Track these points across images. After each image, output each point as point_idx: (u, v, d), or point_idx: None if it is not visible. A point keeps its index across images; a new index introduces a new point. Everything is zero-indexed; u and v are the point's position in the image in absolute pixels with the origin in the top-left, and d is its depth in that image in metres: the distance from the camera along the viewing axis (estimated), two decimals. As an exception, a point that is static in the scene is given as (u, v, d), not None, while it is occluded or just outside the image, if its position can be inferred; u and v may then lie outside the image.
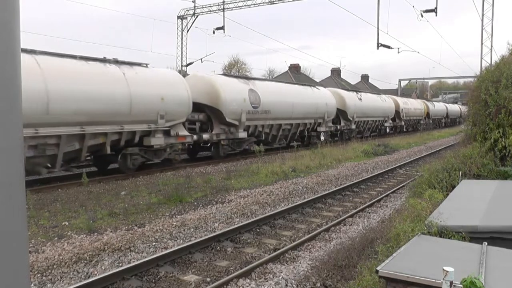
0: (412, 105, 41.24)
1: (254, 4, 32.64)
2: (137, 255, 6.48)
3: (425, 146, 27.54)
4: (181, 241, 7.19)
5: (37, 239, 7.12)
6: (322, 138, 24.39)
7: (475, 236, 5.02)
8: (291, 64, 53.30)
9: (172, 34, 68.85)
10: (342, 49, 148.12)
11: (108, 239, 7.04)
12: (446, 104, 58.24)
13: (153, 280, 5.66)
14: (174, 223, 8.17)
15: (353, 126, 28.43)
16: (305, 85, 25.42)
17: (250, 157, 18.40)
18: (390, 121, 35.36)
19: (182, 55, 36.79)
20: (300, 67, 55.26)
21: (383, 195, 11.41)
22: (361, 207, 9.96)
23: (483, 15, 29.02)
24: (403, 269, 3.73)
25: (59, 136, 11.32)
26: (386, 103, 34.13)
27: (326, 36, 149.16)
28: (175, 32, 36.74)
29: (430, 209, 6.47)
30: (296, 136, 23.05)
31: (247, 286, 5.48)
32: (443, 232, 5.13)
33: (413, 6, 26.54)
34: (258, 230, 8.03)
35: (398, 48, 31.67)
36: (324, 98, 24.54)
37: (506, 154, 11.09)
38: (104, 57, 13.34)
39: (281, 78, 45.77)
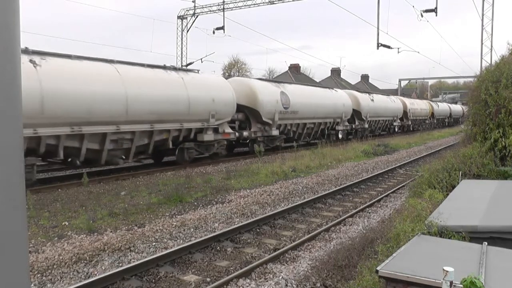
0: (418, 106, 43.39)
1: (254, 4, 32.65)
2: (137, 255, 6.48)
3: (425, 146, 27.54)
4: (181, 241, 7.19)
5: (37, 239, 7.12)
6: (340, 136, 26.55)
7: (475, 236, 5.02)
8: (291, 64, 53.30)
9: (172, 34, 68.89)
10: (342, 49, 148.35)
11: (108, 239, 7.04)
12: (449, 105, 59.66)
13: (153, 280, 5.66)
14: (174, 223, 8.17)
15: (366, 125, 30.49)
16: (325, 87, 28.01)
17: (250, 157, 18.40)
18: (399, 121, 37.38)
19: (182, 55, 36.81)
20: (300, 67, 55.26)
21: (383, 195, 11.41)
22: (361, 207, 9.96)
23: (483, 15, 29.03)
24: (403, 269, 3.73)
25: (133, 132, 13.36)
26: (395, 103, 36.37)
27: (326, 36, 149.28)
28: (175, 32, 36.78)
29: (430, 209, 6.47)
30: (318, 134, 25.20)
31: (247, 286, 5.48)
32: (443, 232, 5.13)
33: (413, 6, 26.56)
34: (258, 230, 8.03)
35: (398, 48, 31.70)
36: (341, 100, 26.76)
37: (506, 154, 11.08)
38: (164, 65, 15.56)
39: (281, 78, 45.75)
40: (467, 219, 5.50)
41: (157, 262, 6.02)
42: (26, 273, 1.14)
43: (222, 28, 32.42)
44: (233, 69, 62.73)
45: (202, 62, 35.56)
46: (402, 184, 12.97)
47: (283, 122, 20.91)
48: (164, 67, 15.42)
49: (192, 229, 7.87)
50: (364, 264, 5.37)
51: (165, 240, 7.22)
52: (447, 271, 3.17)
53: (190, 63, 35.69)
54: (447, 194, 7.62)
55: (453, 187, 8.46)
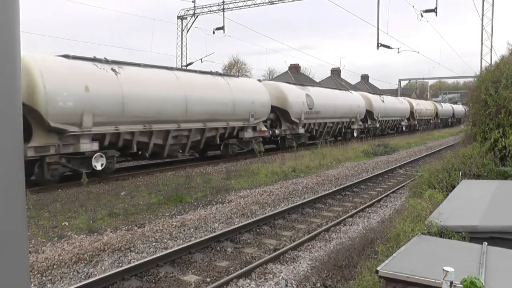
0: (424, 106, 45.72)
1: (254, 4, 32.65)
2: (137, 255, 6.47)
3: (425, 146, 27.54)
4: (181, 241, 7.19)
5: (37, 239, 7.12)
6: (355, 134, 28.96)
7: (475, 236, 5.01)
8: (291, 64, 53.28)
9: (172, 34, 68.87)
10: (342, 49, 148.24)
11: (108, 239, 7.04)
12: (452, 105, 61.33)
13: (153, 280, 5.66)
14: (174, 223, 8.17)
15: (377, 125, 32.84)
16: (342, 89, 30.68)
17: (250, 157, 18.41)
18: (406, 120, 39.63)
19: (182, 55, 36.80)
20: (300, 67, 55.24)
21: (383, 195, 11.41)
22: (361, 207, 9.96)
23: (483, 15, 29.03)
24: (403, 269, 3.72)
25: (190, 130, 15.63)
26: (402, 104, 38.74)
27: (326, 36, 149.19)
28: (175, 32, 36.77)
29: (430, 209, 6.47)
30: (336, 132, 27.36)
31: (247, 286, 5.48)
32: (443, 232, 5.13)
33: (413, 6, 26.57)
34: (258, 230, 8.03)
35: (398, 48, 31.74)
36: (356, 101, 29.03)
37: (506, 154, 11.08)
38: (211, 71, 17.84)
39: (281, 78, 45.76)
40: (467, 219, 5.50)
41: (157, 262, 6.02)
42: (26, 273, 1.14)
43: (222, 28, 32.41)
44: (233, 69, 62.70)
45: (202, 62, 35.59)
46: (402, 184, 12.96)
47: (307, 121, 23.10)
48: (211, 73, 17.79)
49: (192, 229, 7.87)
50: (364, 264, 5.37)
51: (165, 240, 7.22)
52: (447, 271, 3.17)
53: (190, 63, 35.69)
54: (447, 194, 7.61)
55: (453, 187, 8.45)
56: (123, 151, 13.88)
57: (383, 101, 33.86)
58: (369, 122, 31.58)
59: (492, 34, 29.06)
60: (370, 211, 9.88)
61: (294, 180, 13.35)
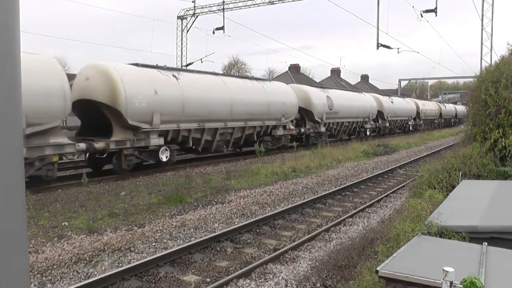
0: (429, 107, 47.64)
1: (254, 4, 32.65)
2: (137, 255, 6.47)
3: (425, 146, 27.53)
4: (181, 241, 7.18)
5: (37, 239, 7.12)
6: (368, 133, 31.17)
7: (475, 236, 5.01)
8: (291, 64, 53.30)
9: (172, 34, 68.88)
10: (342, 49, 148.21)
11: (108, 239, 7.04)
12: (455, 106, 62.99)
13: (153, 281, 5.66)
14: (174, 224, 8.17)
15: (387, 124, 34.76)
16: (356, 91, 33.17)
17: (250, 157, 18.42)
18: (413, 120, 41.40)
19: (182, 55, 36.80)
20: (300, 67, 55.26)
21: (383, 195, 11.41)
22: (361, 207, 9.96)
23: (483, 15, 29.04)
24: (403, 269, 3.72)
25: (233, 128, 17.82)
26: (409, 105, 40.72)
27: (326, 36, 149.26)
28: (175, 32, 36.78)
29: (430, 209, 6.47)
30: (351, 131, 29.55)
31: (247, 287, 5.47)
32: (443, 232, 5.13)
33: (413, 6, 26.58)
34: (258, 231, 8.02)
35: (398, 48, 31.77)
36: (369, 102, 31.26)
37: (506, 154, 11.07)
38: (247, 75, 20.43)
39: (281, 78, 45.73)
40: (467, 219, 5.50)
41: (157, 263, 6.02)
42: (26, 273, 1.14)
43: (222, 28, 32.42)
44: (233, 69, 62.72)
45: (202, 62, 35.61)
46: (402, 185, 12.96)
47: (328, 120, 25.39)
48: (248, 77, 20.79)
49: (192, 230, 7.87)
50: (364, 264, 5.37)
51: (165, 240, 7.22)
52: (447, 271, 3.17)
53: (190, 63, 35.69)
54: (447, 194, 7.61)
55: (453, 187, 8.45)
56: (181, 145, 16.05)
57: (392, 102, 35.88)
58: (379, 122, 33.61)
59: (492, 34, 29.07)
60: (370, 211, 9.88)
61: (294, 180, 13.35)
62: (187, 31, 36.36)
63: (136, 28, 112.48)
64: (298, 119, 23.48)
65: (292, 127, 22.21)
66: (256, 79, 21.01)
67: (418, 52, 37.77)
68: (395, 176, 15.13)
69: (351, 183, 12.83)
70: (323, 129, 24.70)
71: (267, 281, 5.62)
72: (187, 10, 35.72)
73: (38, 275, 5.63)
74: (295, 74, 50.96)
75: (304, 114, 23.66)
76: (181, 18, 36.29)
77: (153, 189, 11.43)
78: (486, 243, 4.59)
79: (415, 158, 20.17)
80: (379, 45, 27.36)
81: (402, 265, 3.84)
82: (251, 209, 9.53)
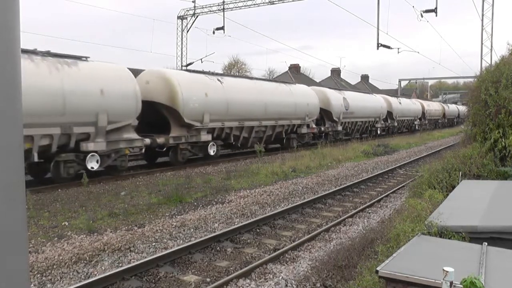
0: (433, 107, 50.06)
1: (254, 4, 32.64)
2: (137, 255, 6.47)
3: (425, 146, 27.53)
4: (181, 241, 7.18)
5: (37, 239, 7.12)
6: (379, 132, 33.57)
7: (475, 236, 5.01)
8: (291, 65, 53.30)
9: (172, 34, 68.81)
10: (342, 49, 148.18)
11: (108, 239, 7.04)
12: (457, 106, 64.63)
13: (153, 281, 5.66)
14: (174, 224, 8.17)
15: (396, 124, 37.11)
16: (367, 93, 35.66)
17: (250, 157, 18.42)
18: (418, 120, 43.67)
19: (182, 55, 36.79)
20: (300, 67, 55.26)
21: (383, 195, 11.41)
22: (361, 207, 9.96)
23: (483, 15, 29.03)
24: (403, 269, 3.72)
25: (266, 126, 20.18)
26: (416, 105, 42.99)
27: (326, 36, 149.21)
28: (175, 32, 36.76)
29: (430, 209, 6.47)
30: (363, 130, 31.89)
31: (247, 287, 5.47)
32: (443, 232, 5.13)
33: (413, 6, 26.54)
34: (258, 231, 8.02)
35: (398, 48, 31.72)
36: (380, 103, 33.60)
37: (506, 154, 11.07)
38: (275, 79, 22.20)
39: (281, 78, 45.76)
40: (467, 219, 5.50)
41: (157, 263, 6.02)
42: (26, 273, 1.14)
43: (222, 28, 32.40)
44: (233, 69, 62.68)
45: (202, 62, 35.54)
46: (402, 185, 12.96)
47: (344, 120, 27.56)
48: (275, 80, 24.70)
49: (192, 229, 7.87)
50: (364, 265, 5.37)
51: (165, 240, 7.22)
52: (447, 271, 3.17)
53: (190, 64, 35.67)
54: (447, 195, 7.61)
55: (453, 187, 8.45)
56: (223, 141, 18.15)
57: (400, 103, 38.16)
58: (389, 121, 35.86)
59: (492, 34, 29.05)
60: (370, 211, 9.88)
61: (294, 180, 13.35)
62: (187, 31, 36.36)
63: (136, 28, 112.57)
64: (318, 119, 25.39)
65: (314, 126, 24.42)
66: (284, 82, 23.64)
67: (418, 52, 37.77)
68: (395, 176, 15.13)
69: (351, 183, 12.83)
70: (340, 128, 26.93)
71: (267, 281, 5.61)
72: (187, 10, 35.72)
73: (38, 275, 5.63)
74: (295, 74, 50.96)
75: (324, 114, 25.81)
76: (181, 18, 36.28)
77: (153, 189, 11.43)
78: (486, 243, 4.59)
79: (415, 158, 20.16)
80: (379, 45, 27.33)
81: (402, 265, 3.84)
82: (251, 209, 9.53)
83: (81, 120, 11.88)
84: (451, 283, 3.16)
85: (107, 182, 12.34)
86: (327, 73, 62.08)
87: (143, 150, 15.49)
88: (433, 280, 3.44)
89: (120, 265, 6.04)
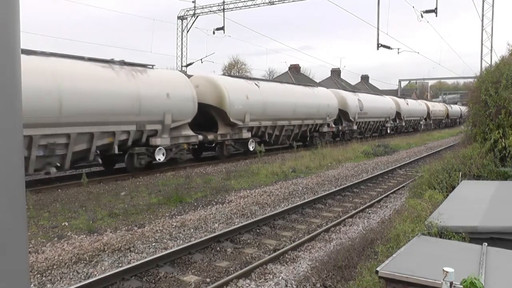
0: (437, 108, 52.26)
1: (254, 5, 32.65)
2: (137, 255, 6.47)
3: (425, 146, 27.53)
4: (181, 241, 7.18)
5: (37, 239, 7.12)
6: (388, 131, 35.71)
7: (475, 236, 5.01)
8: (291, 65, 53.25)
9: (172, 34, 68.73)
10: (342, 49, 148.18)
11: (108, 239, 7.04)
12: (460, 107, 65.47)
13: (153, 281, 5.66)
14: (174, 224, 8.17)
15: (403, 124, 38.97)
16: (378, 94, 37.96)
17: (250, 158, 18.42)
18: (424, 120, 45.74)
19: (182, 56, 36.80)
20: (300, 67, 55.22)
21: (383, 196, 11.41)
22: (361, 208, 9.96)
23: (483, 15, 29.03)
24: (403, 270, 3.72)
25: (294, 125, 22.32)
26: (421, 106, 44.90)
27: (326, 37, 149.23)
28: (175, 32, 36.77)
29: (430, 210, 6.47)
30: (376, 129, 34.12)
31: (247, 287, 5.47)
32: (443, 233, 5.13)
33: (413, 7, 26.56)
34: (258, 231, 8.02)
35: (398, 49, 31.74)
36: (389, 104, 35.80)
37: (506, 154, 11.06)
38: (300, 83, 25.55)
39: (281, 78, 45.76)
40: (467, 219, 5.50)
41: (157, 263, 6.02)
42: (26, 273, 1.14)
43: (222, 28, 32.42)
44: (233, 69, 62.67)
45: (202, 62, 35.60)
46: (402, 185, 12.96)
47: (359, 120, 29.63)
48: (303, 84, 25.98)
49: (192, 230, 7.87)
50: (364, 265, 5.37)
51: (165, 240, 7.22)
52: (447, 272, 3.17)
53: (190, 64, 35.69)
54: (447, 195, 7.61)
55: (453, 187, 8.45)
56: (260, 138, 20.23)
57: (407, 104, 40.17)
58: (397, 121, 37.89)
59: (492, 35, 29.06)
60: (370, 211, 9.87)
61: (294, 181, 13.35)
62: (187, 31, 36.37)
63: (136, 28, 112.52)
64: (336, 119, 27.19)
65: (333, 125, 26.49)
66: (308, 85, 26.02)
67: (418, 53, 37.85)
68: (395, 177, 15.13)
69: (351, 183, 12.83)
70: (355, 127, 29.05)
71: (267, 281, 5.61)
72: (187, 10, 35.73)
73: (38, 275, 5.63)
74: (295, 74, 50.93)
75: (341, 114, 27.70)
76: (181, 18, 36.29)
77: (153, 189, 11.43)
78: (486, 244, 4.59)
79: (415, 158, 20.16)
80: (379, 45, 27.36)
81: (402, 266, 3.84)
82: (251, 209, 9.53)
83: (152, 119, 13.96)
84: (451, 283, 3.16)
85: (107, 182, 12.34)
86: (327, 74, 62.05)
87: (196, 145, 16.98)
88: (433, 281, 3.44)
89: (120, 265, 6.04)
